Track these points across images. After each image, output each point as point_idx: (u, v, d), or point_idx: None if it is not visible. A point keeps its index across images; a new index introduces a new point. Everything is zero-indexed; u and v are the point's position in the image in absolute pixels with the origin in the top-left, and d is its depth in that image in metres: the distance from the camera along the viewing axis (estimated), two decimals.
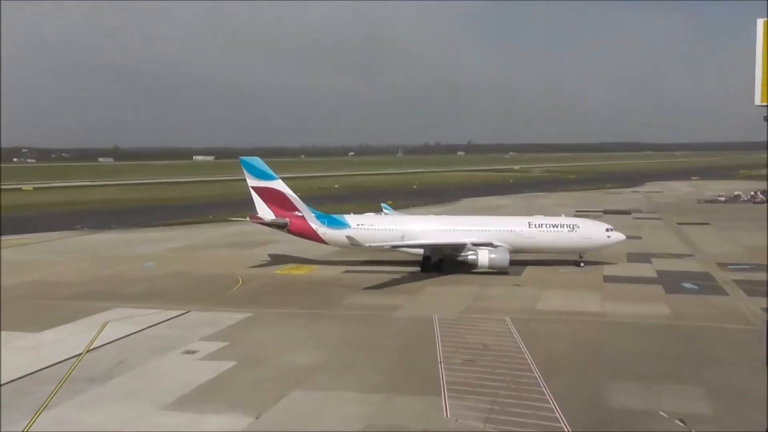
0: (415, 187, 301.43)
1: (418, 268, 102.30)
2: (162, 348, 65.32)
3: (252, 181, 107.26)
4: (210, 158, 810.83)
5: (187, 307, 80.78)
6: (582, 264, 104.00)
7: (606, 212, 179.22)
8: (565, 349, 63.92)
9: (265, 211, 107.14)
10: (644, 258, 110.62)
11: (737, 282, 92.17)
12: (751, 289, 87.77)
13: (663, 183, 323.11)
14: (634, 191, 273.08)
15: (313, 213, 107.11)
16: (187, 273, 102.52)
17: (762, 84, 33.12)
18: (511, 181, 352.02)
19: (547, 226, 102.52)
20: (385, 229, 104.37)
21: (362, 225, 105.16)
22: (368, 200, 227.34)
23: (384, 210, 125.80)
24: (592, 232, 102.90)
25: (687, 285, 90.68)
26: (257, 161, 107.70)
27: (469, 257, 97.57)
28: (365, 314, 77.27)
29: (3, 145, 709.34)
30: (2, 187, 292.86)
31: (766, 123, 33.13)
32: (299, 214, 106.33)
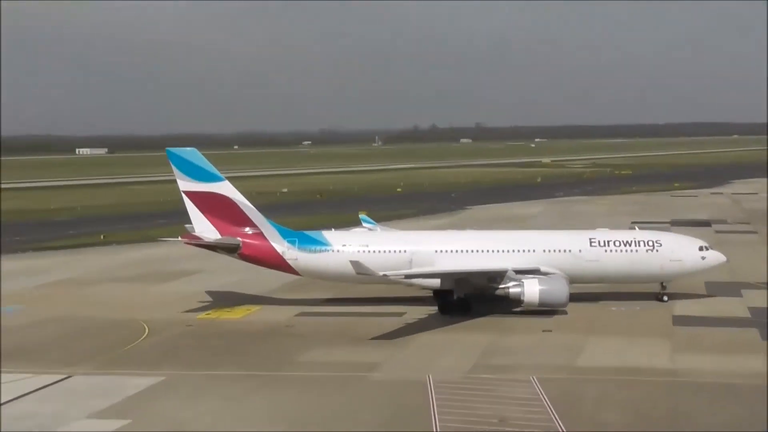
0: (399, 190, 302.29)
1: (433, 308, 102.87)
2: None
3: (185, 183, 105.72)
4: (101, 151, 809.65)
5: (67, 370, 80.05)
6: (665, 298, 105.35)
7: (674, 223, 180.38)
8: (619, 423, 63.88)
9: (204, 228, 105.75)
10: (732, 289, 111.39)
11: None
12: None
13: (758, 180, 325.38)
14: (716, 192, 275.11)
15: (277, 229, 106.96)
16: (67, 319, 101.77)
17: None
18: (539, 179, 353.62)
19: (617, 243, 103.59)
20: (385, 252, 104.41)
21: (350, 245, 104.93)
22: (332, 210, 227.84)
23: (364, 224, 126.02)
24: (681, 251, 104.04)
25: None
26: (193, 154, 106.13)
27: (511, 290, 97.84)
28: (330, 377, 77.03)
29: None
30: None
31: None
32: (256, 231, 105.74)
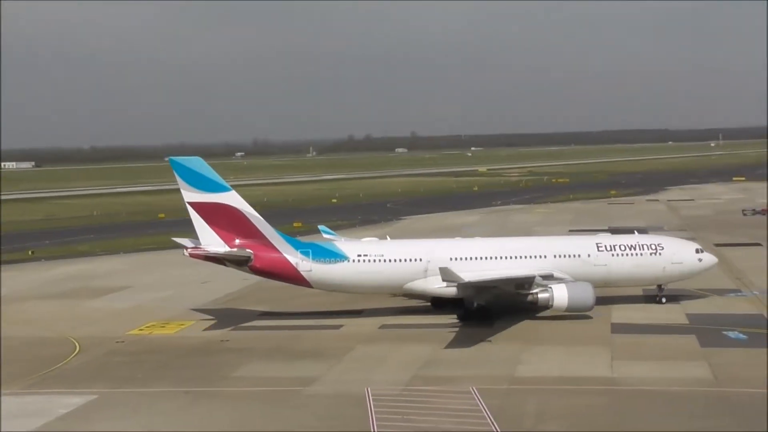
0: (334, 201, 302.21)
1: (369, 320, 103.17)
2: None
3: (190, 194, 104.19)
4: (27, 165, 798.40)
5: None
6: (663, 300, 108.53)
7: (613, 231, 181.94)
8: None
9: (211, 240, 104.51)
10: (669, 296, 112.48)
11: None
12: None
13: (694, 187, 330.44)
14: (652, 199, 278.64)
15: (288, 240, 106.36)
16: None
17: None
18: (476, 188, 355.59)
19: (622, 248, 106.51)
20: (402, 261, 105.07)
21: (366, 255, 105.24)
22: (269, 222, 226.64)
23: (325, 235, 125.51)
24: (681, 253, 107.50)
25: (731, 334, 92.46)
26: (198, 163, 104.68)
27: (540, 296, 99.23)
28: (265, 391, 76.78)
29: None
30: None
31: None
32: (267, 242, 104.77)
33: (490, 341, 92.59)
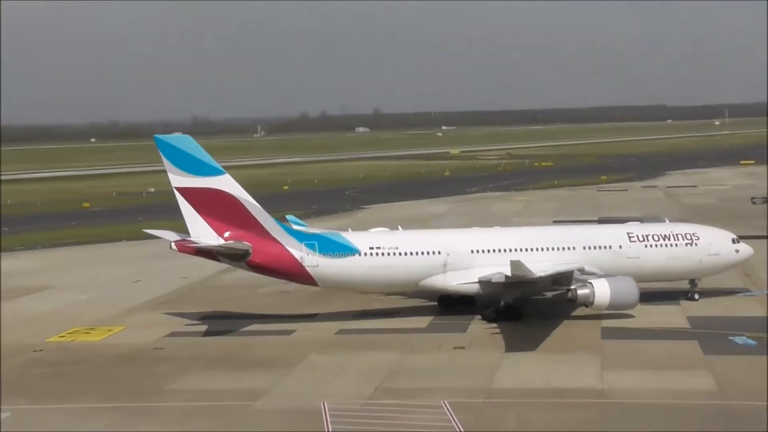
0: (286, 188, 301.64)
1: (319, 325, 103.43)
2: None
3: (177, 178, 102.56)
4: None
5: None
6: (697, 296, 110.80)
7: (603, 222, 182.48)
8: None
9: (203, 231, 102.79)
10: (668, 296, 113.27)
11: None
12: None
13: (696, 171, 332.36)
14: (649, 186, 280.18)
15: (289, 232, 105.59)
16: None
17: None
18: (448, 173, 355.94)
19: (655, 238, 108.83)
20: (419, 254, 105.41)
21: (379, 248, 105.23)
22: None
23: (294, 225, 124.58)
24: (718, 244, 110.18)
25: (739, 340, 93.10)
26: (186, 141, 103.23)
27: (579, 292, 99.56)
28: (207, 406, 76.49)
29: None
30: None
31: None
32: (267, 234, 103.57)
33: (463, 348, 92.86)
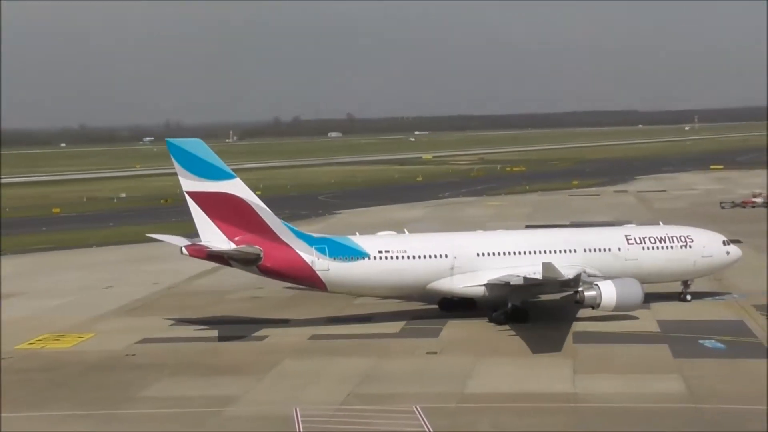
0: (258, 193, 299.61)
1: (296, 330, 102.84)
2: None
3: (189, 182, 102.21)
4: None
5: None
6: (689, 297, 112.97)
7: (575, 226, 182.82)
8: None
9: (213, 236, 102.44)
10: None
11: None
12: None
13: (667, 176, 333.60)
14: (621, 190, 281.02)
15: (298, 235, 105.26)
16: None
17: None
18: (420, 178, 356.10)
19: (652, 240, 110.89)
20: (427, 257, 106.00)
21: (388, 252, 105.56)
22: (180, 218, 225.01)
23: None
24: (711, 246, 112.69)
25: (708, 343, 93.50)
26: (198, 146, 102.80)
27: (586, 294, 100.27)
28: (178, 413, 76.14)
29: None
30: None
31: None
32: (277, 238, 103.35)
33: (435, 353, 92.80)
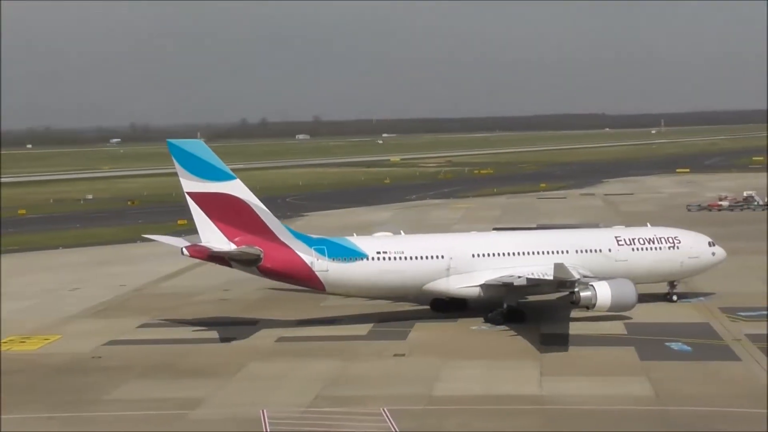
0: None
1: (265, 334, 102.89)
2: None
3: (189, 183, 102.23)
4: None
5: None
6: (675, 298, 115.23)
7: (542, 229, 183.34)
8: None
9: (214, 236, 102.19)
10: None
11: (753, 338, 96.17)
12: None
13: (634, 179, 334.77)
14: (588, 193, 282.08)
15: (297, 236, 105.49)
16: None
17: None
18: (388, 181, 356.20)
19: (641, 241, 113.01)
20: (423, 258, 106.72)
21: (386, 252, 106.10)
22: (147, 220, 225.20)
23: None
24: (698, 247, 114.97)
25: (674, 346, 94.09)
26: (198, 146, 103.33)
27: (582, 295, 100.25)
28: (145, 416, 75.88)
29: None
30: None
31: None
32: (276, 239, 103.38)
33: (403, 355, 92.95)
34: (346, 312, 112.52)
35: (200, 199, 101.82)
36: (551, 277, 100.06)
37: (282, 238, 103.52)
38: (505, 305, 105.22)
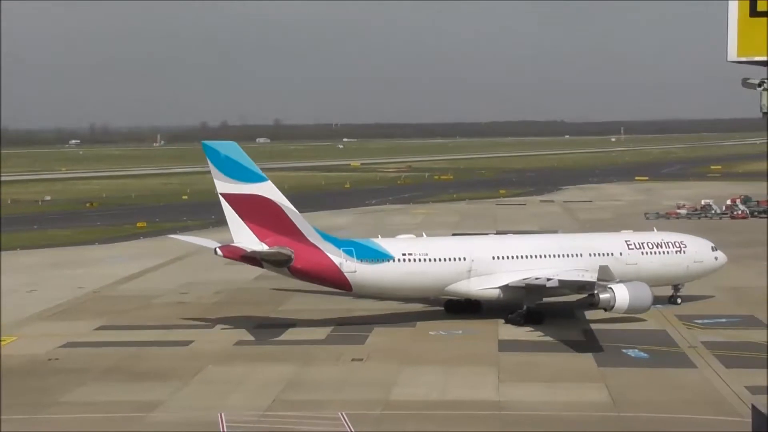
0: (185, 197, 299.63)
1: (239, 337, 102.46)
2: None
3: (223, 184, 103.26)
4: None
5: None
6: (679, 300, 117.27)
7: (501, 235, 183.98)
8: None
9: (246, 237, 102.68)
10: (562, 310, 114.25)
11: (709, 345, 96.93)
12: (730, 356, 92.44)
13: (592, 187, 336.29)
14: (547, 200, 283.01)
15: (326, 238, 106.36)
16: None
17: (740, 30, 35.12)
18: (348, 185, 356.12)
19: (650, 245, 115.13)
20: (446, 260, 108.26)
21: (411, 254, 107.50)
22: (106, 222, 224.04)
23: None
24: (702, 252, 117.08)
25: (631, 353, 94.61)
26: (232, 148, 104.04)
27: (601, 297, 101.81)
28: (102, 419, 75.53)
29: None
30: None
31: (754, 89, 35.08)
32: (307, 240, 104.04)
33: (361, 360, 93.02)
34: (305, 316, 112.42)
35: (233, 200, 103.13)
36: (589, 279, 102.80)
37: (311, 240, 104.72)
38: (525, 306, 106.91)
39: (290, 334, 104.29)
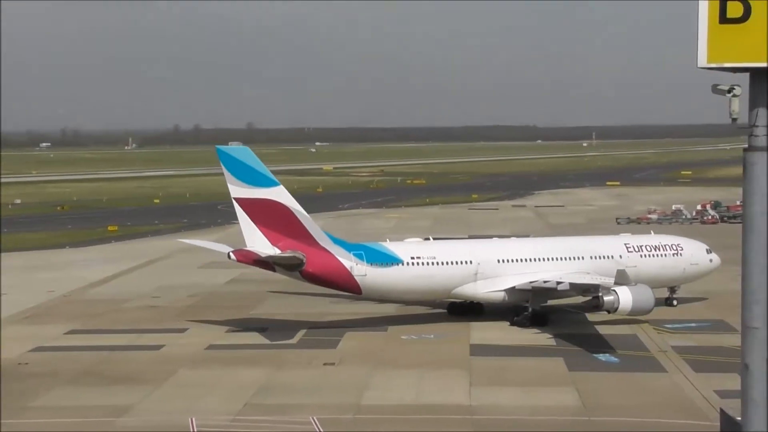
0: (157, 201, 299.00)
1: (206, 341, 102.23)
2: None
3: (237, 189, 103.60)
4: None
5: None
6: (675, 302, 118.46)
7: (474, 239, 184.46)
8: None
9: (259, 241, 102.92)
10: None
11: (679, 350, 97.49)
12: (700, 360, 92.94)
13: (565, 191, 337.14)
14: (519, 205, 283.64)
15: (336, 242, 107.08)
16: None
17: (710, 37, 35.43)
18: (320, 189, 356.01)
19: (648, 248, 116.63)
20: (453, 263, 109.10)
21: (419, 258, 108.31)
22: (77, 226, 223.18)
23: None
24: (698, 254, 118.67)
25: (602, 357, 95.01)
26: (245, 153, 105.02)
27: (606, 299, 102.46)
28: (71, 424, 75.19)
29: None
30: None
31: (724, 95, 35.39)
32: (318, 245, 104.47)
33: (333, 364, 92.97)
34: (277, 320, 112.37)
35: (246, 204, 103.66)
36: (605, 281, 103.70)
37: (322, 244, 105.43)
38: (530, 309, 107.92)
39: (262, 338, 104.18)
